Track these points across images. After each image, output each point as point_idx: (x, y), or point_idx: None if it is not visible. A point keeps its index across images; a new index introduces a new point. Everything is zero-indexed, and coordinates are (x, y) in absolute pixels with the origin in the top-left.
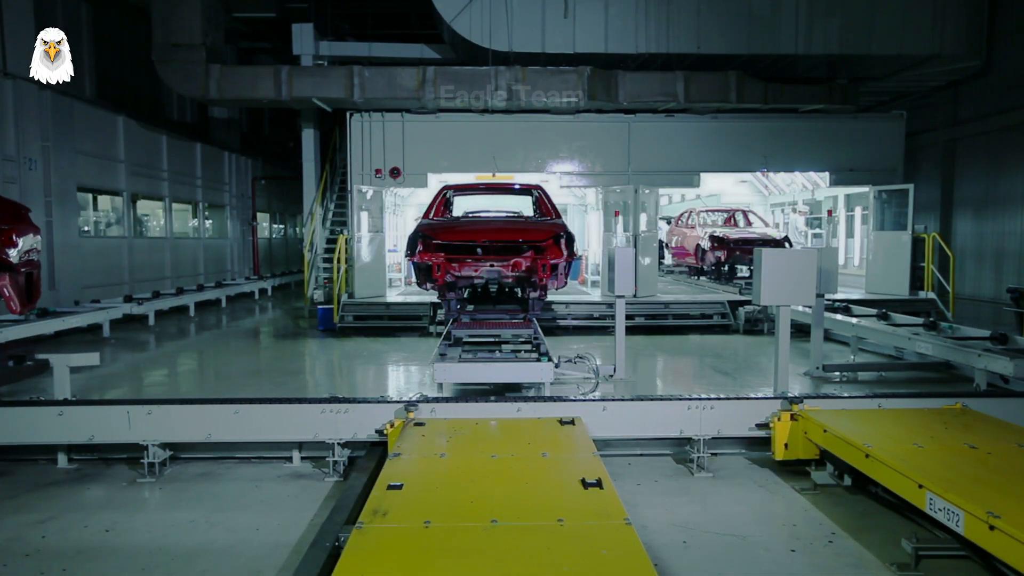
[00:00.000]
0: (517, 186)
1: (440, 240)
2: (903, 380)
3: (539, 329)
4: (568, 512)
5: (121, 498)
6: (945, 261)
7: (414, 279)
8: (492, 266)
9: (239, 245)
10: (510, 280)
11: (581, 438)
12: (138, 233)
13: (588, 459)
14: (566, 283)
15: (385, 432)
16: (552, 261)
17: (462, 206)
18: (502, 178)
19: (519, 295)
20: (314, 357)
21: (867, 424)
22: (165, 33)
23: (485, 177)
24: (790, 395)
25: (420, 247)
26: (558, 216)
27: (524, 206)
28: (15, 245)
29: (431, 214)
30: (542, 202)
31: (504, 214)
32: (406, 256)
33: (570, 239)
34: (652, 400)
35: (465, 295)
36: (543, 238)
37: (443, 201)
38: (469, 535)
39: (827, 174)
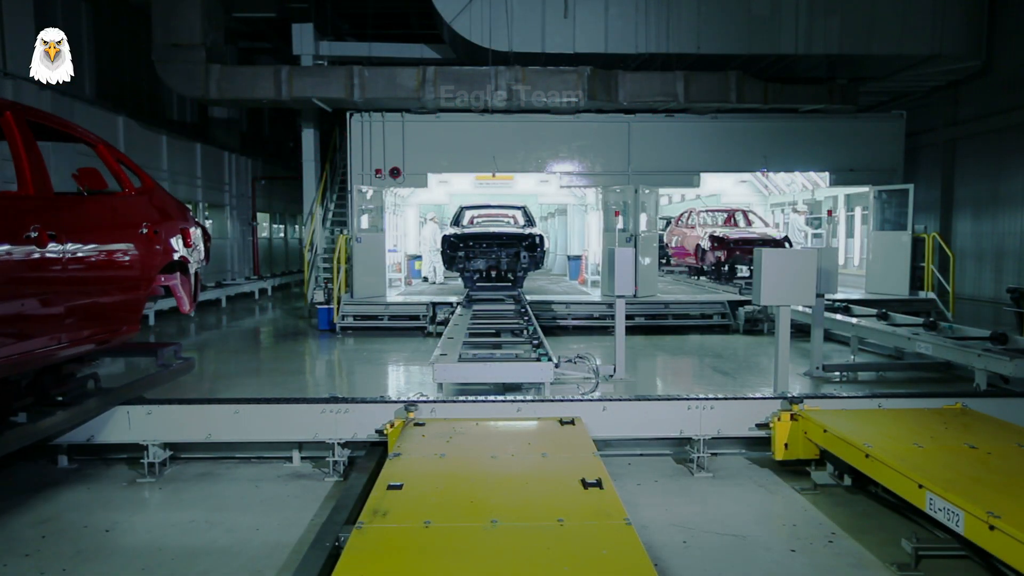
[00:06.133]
0: None
1: None
2: (903, 380)
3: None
4: (568, 512)
5: (121, 498)
6: (945, 261)
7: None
8: None
9: (239, 245)
10: None
11: (581, 438)
12: None
13: (588, 459)
14: None
15: (385, 432)
16: None
17: None
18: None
19: None
20: (314, 357)
21: (867, 424)
22: (165, 33)
23: (485, 177)
24: (790, 395)
25: None
26: None
27: None
28: (191, 245)
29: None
30: None
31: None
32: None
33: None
34: (652, 400)
35: None
36: None
37: None
38: (469, 535)
39: (827, 174)
